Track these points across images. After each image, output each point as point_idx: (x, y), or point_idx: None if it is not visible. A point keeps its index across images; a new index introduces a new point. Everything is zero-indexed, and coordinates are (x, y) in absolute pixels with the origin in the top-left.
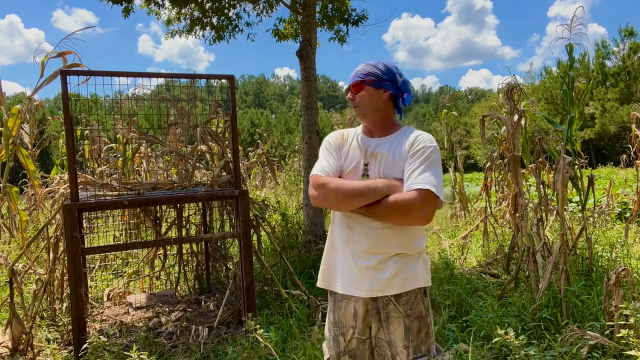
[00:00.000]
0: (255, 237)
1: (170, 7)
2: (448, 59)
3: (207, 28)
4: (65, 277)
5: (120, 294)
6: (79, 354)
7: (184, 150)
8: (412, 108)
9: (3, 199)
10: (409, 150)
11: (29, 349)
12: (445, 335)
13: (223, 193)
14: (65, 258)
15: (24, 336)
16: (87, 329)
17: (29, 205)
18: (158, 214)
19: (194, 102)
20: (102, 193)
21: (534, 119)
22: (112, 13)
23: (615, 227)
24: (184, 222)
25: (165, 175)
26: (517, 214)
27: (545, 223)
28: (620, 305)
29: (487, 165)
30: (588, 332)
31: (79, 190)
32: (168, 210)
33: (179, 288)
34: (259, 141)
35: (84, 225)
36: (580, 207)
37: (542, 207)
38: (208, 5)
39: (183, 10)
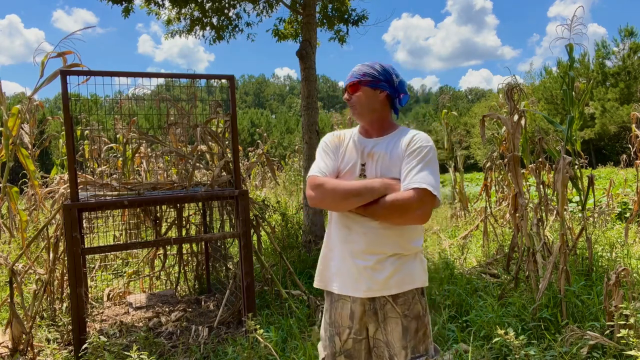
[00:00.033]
0: (255, 237)
1: (170, 7)
2: (448, 59)
3: (207, 28)
4: (65, 277)
5: (120, 294)
6: (79, 354)
7: (184, 150)
8: (412, 108)
9: (3, 199)
10: (405, 149)
11: (29, 349)
12: (445, 335)
13: (223, 193)
14: (65, 258)
15: (24, 336)
16: (87, 329)
17: (29, 205)
18: (158, 214)
19: (194, 102)
20: (102, 193)
21: (534, 119)
22: (112, 13)
23: (615, 227)
24: (184, 222)
25: (165, 175)
26: (517, 214)
27: (545, 223)
28: (620, 305)
29: (487, 165)
30: (588, 332)
31: (79, 190)
32: (168, 210)
33: (179, 288)
34: (259, 141)
35: (84, 225)
36: (580, 207)
37: (542, 207)
38: (208, 5)
39: (183, 10)
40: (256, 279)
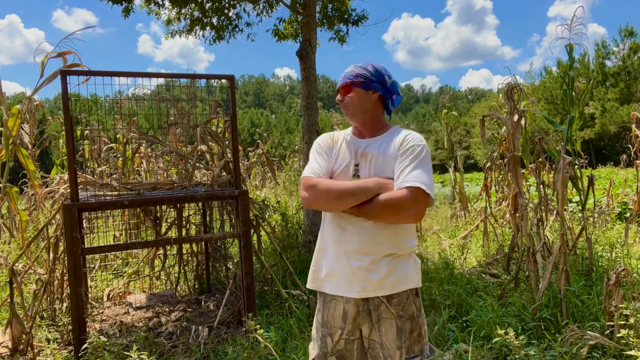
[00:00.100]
0: (255, 237)
1: (170, 7)
2: (448, 59)
3: (207, 28)
4: (65, 277)
5: (120, 294)
6: (79, 354)
7: (184, 150)
8: (412, 108)
9: (3, 199)
10: (398, 149)
11: (29, 349)
12: (445, 335)
13: (223, 193)
14: (65, 258)
15: (24, 336)
16: (87, 329)
17: (29, 205)
18: (158, 214)
19: (194, 102)
20: (102, 193)
21: (534, 119)
22: (112, 13)
23: (615, 227)
24: (184, 222)
25: (165, 175)
26: (517, 214)
27: (545, 223)
28: (620, 305)
29: (487, 165)
30: (588, 332)
31: (79, 190)
32: (168, 210)
33: (179, 288)
34: (259, 141)
35: (84, 225)
36: (580, 207)
37: (542, 207)
38: (208, 5)
39: (183, 10)
40: (256, 279)
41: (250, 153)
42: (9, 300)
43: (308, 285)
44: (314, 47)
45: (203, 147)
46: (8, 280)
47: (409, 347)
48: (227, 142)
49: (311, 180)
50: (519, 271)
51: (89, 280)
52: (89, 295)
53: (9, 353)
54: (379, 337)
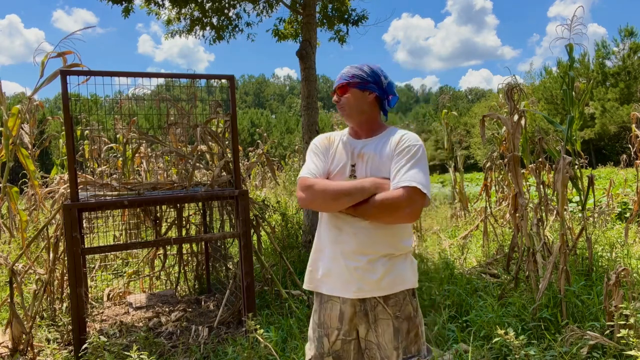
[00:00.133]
0: (255, 237)
1: (170, 7)
2: (448, 59)
3: (207, 28)
4: (65, 277)
5: (120, 294)
6: (79, 354)
7: (184, 150)
8: (412, 108)
9: (3, 199)
10: (394, 149)
11: (29, 349)
12: (445, 335)
13: (223, 193)
14: (65, 258)
15: (24, 336)
16: (87, 329)
17: (29, 205)
18: (158, 214)
19: (194, 102)
20: (102, 193)
21: (534, 119)
22: (112, 13)
23: (615, 227)
24: (184, 222)
25: (165, 175)
26: (517, 214)
27: (545, 223)
28: (620, 305)
29: (487, 165)
30: (588, 332)
31: (79, 190)
32: (168, 210)
33: (179, 288)
34: (259, 141)
35: (84, 225)
36: (580, 207)
37: (542, 207)
38: (208, 5)
39: (183, 10)
40: (256, 279)
41: (250, 153)
42: (9, 300)
43: (305, 286)
44: (314, 47)
45: (203, 147)
46: (8, 280)
47: (406, 348)
48: (227, 142)
49: (308, 180)
50: (519, 271)
51: (89, 280)
52: (89, 295)
53: (9, 353)
54: (375, 338)
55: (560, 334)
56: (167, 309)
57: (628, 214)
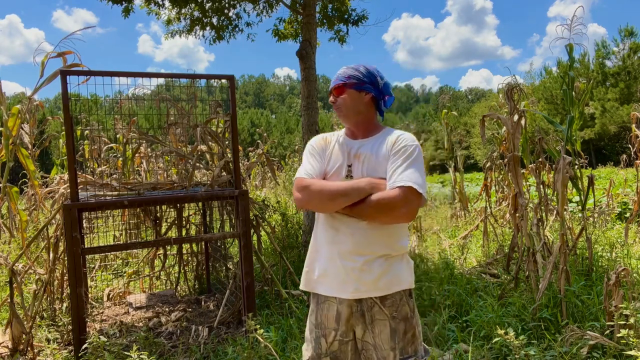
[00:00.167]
0: (255, 237)
1: (170, 7)
2: (448, 59)
3: (207, 28)
4: (65, 277)
5: (120, 294)
6: (79, 354)
7: (184, 150)
8: (412, 108)
9: (3, 199)
10: (391, 149)
11: (29, 349)
12: (445, 335)
13: (223, 193)
14: (65, 258)
15: (24, 336)
16: (87, 329)
17: (29, 205)
18: (158, 214)
19: (194, 102)
20: (102, 193)
21: (534, 119)
22: (112, 13)
23: (615, 227)
24: (184, 222)
25: (165, 175)
26: (517, 214)
27: (545, 223)
28: (620, 305)
29: (487, 165)
30: (588, 332)
31: (79, 190)
32: (168, 210)
33: (179, 288)
34: (259, 141)
35: (84, 225)
36: (580, 207)
37: (542, 207)
38: (208, 5)
39: (183, 10)
40: (256, 279)
41: (250, 153)
42: (9, 300)
43: (301, 287)
44: (314, 47)
45: (203, 147)
46: (8, 280)
47: (403, 348)
48: (227, 142)
49: (304, 181)
50: (519, 271)
51: (89, 280)
52: (89, 295)
53: (9, 353)
54: (372, 339)
55: (560, 334)
56: (167, 309)
57: (628, 214)
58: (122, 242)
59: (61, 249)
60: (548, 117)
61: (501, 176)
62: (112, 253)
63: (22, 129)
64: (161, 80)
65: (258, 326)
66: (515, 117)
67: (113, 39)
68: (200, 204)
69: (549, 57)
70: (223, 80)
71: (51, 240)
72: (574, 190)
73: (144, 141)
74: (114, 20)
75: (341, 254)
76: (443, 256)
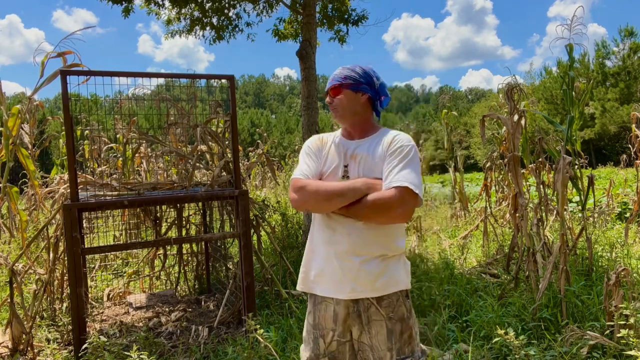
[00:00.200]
0: (255, 237)
1: (170, 7)
2: (448, 59)
3: (207, 28)
4: (65, 277)
5: (120, 294)
6: (79, 354)
7: (184, 150)
8: (412, 108)
9: (3, 199)
10: (387, 149)
11: (29, 349)
12: (445, 335)
13: (223, 193)
14: (65, 258)
15: (24, 336)
16: (87, 329)
17: (29, 205)
18: (158, 214)
19: (194, 102)
20: (102, 193)
21: (534, 119)
22: (112, 13)
23: (615, 227)
24: (184, 222)
25: (165, 175)
26: (517, 214)
27: (545, 223)
28: (620, 305)
29: (487, 165)
30: (588, 332)
31: (79, 190)
32: (168, 210)
33: (179, 288)
34: (259, 141)
35: (84, 225)
36: (580, 207)
37: (542, 207)
38: (208, 5)
39: (183, 10)
40: (256, 279)
41: (250, 153)
42: (9, 300)
43: (298, 288)
44: (314, 47)
45: (203, 147)
46: (8, 280)
47: (400, 349)
48: (227, 142)
49: (300, 181)
50: (519, 271)
51: (89, 280)
52: (89, 295)
53: (9, 353)
54: (368, 340)
55: (560, 334)
56: (167, 309)
57: (628, 214)
58: (122, 242)
59: (61, 249)
60: (548, 117)
61: (501, 176)
62: (112, 253)
63: (22, 129)
64: (161, 80)
65: (258, 326)
66: (515, 117)
67: (113, 39)
68: (200, 204)
69: (549, 57)
70: (223, 80)
71: (51, 240)
72: (574, 190)
73: (144, 141)
74: (114, 20)
75: (338, 254)
76: (443, 256)
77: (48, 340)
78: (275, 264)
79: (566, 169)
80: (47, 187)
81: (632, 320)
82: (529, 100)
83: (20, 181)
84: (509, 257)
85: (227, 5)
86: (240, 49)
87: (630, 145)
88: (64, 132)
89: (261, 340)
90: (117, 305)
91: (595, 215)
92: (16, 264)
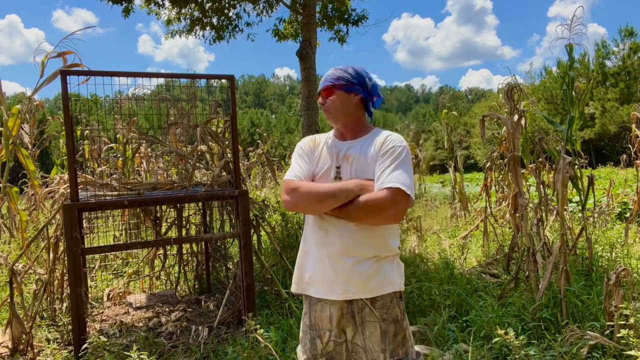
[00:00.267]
0: (255, 237)
1: (170, 7)
2: (448, 59)
3: (207, 28)
4: (65, 277)
5: (120, 294)
6: (79, 354)
7: (184, 150)
8: (412, 108)
9: (3, 199)
10: (379, 150)
11: (29, 349)
12: (445, 335)
13: (223, 193)
14: (65, 258)
15: (24, 336)
16: (87, 329)
17: (29, 205)
18: (158, 214)
19: (194, 102)
20: (102, 193)
21: (534, 119)
22: (112, 13)
23: (615, 227)
24: (184, 222)
25: (165, 175)
26: (517, 214)
27: (545, 223)
28: (620, 305)
29: (487, 165)
30: (588, 332)
31: (79, 190)
32: (168, 210)
33: (179, 288)
34: (259, 141)
35: (84, 225)
36: (580, 207)
37: (542, 207)
38: (208, 5)
39: (183, 10)
40: (256, 279)
41: (250, 153)
42: (9, 300)
43: (292, 290)
44: (314, 47)
45: (203, 147)
46: (8, 280)
47: (393, 350)
48: (227, 142)
49: (293, 183)
50: (519, 271)
51: (89, 280)
52: (89, 295)
53: (9, 353)
54: (362, 341)
55: (560, 334)
56: (167, 309)
57: (628, 214)
58: (122, 242)
59: (61, 249)
60: (548, 117)
61: (501, 176)
62: (112, 253)
63: (22, 129)
64: (161, 80)
65: (258, 326)
66: (515, 117)
67: (113, 39)
68: (200, 204)
69: (549, 57)
70: (223, 80)
71: (51, 240)
72: (574, 190)
73: (144, 141)
74: (114, 20)
75: (330, 255)
76: (443, 256)
77: (48, 340)
78: (275, 264)
79: (566, 169)
80: (47, 187)
81: (632, 320)
82: (529, 100)
83: (20, 181)
84: (509, 257)
85: (227, 5)
86: (240, 49)
87: (630, 145)
88: (64, 132)
89: (261, 340)
90: (117, 305)
91: (595, 215)
92: (16, 264)
